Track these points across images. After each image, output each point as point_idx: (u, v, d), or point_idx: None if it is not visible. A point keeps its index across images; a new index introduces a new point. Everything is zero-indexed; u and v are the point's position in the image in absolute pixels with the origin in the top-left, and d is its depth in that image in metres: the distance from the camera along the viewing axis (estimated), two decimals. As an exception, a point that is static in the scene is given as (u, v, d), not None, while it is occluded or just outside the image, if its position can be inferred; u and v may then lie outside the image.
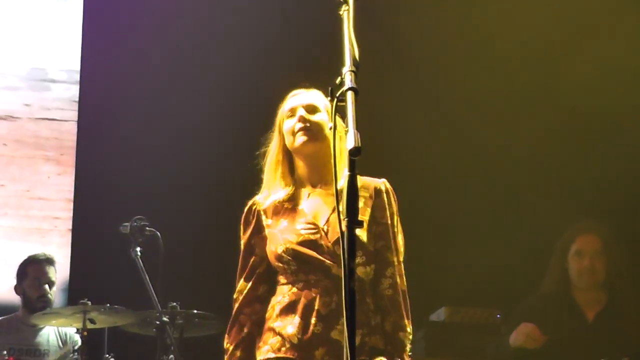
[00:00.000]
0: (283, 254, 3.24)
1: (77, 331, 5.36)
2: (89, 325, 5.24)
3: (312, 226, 3.26)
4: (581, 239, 5.07)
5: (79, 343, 5.40)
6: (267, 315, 3.27)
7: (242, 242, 3.39)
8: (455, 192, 6.42)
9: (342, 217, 2.32)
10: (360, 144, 2.31)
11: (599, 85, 6.06)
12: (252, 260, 3.34)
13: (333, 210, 3.27)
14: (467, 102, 6.40)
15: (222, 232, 6.38)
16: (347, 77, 2.43)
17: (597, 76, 6.11)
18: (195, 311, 5.22)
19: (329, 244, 3.22)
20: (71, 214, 6.60)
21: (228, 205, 6.37)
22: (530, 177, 6.37)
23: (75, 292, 6.18)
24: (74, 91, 6.72)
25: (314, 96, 3.40)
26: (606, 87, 6.06)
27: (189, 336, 5.27)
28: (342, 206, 2.33)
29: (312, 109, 3.35)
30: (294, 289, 3.22)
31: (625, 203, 6.10)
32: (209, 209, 6.41)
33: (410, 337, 3.27)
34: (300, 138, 3.30)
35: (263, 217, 3.34)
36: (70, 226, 6.60)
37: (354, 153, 2.32)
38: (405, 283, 3.31)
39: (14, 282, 5.93)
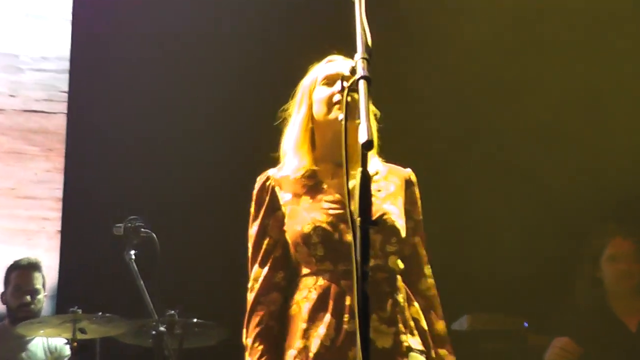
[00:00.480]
0: (312, 234, 3.12)
1: (67, 342, 5.39)
2: (80, 336, 5.26)
3: (341, 206, 3.15)
4: (614, 242, 5.10)
5: (69, 355, 5.42)
6: (292, 312, 3.17)
7: (254, 223, 3.28)
8: (477, 193, 6.43)
9: (355, 216, 2.32)
10: (372, 137, 2.33)
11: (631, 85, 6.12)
12: (265, 242, 3.23)
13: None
14: (495, 102, 6.43)
15: (223, 233, 6.43)
16: (359, 65, 2.45)
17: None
18: (195, 320, 5.23)
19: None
20: (60, 214, 6.62)
21: (230, 205, 6.43)
22: (558, 180, 6.37)
23: (64, 300, 6.20)
24: (64, 81, 6.74)
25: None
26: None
27: (188, 347, 5.27)
28: (354, 204, 2.34)
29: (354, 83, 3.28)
30: (321, 281, 3.12)
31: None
32: (208, 208, 6.43)
33: None
34: (337, 112, 3.17)
35: (279, 194, 3.24)
36: (59, 227, 6.62)
37: (366, 146, 2.33)
38: None
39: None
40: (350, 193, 2.42)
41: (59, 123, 6.73)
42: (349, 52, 2.50)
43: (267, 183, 3.27)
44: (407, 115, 6.23)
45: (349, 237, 3.08)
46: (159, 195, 6.30)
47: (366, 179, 2.37)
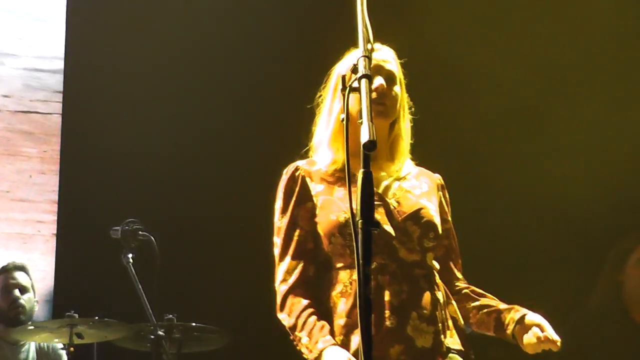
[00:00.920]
0: (349, 223, 3.02)
1: (63, 347, 5.39)
2: (76, 341, 5.25)
3: (377, 198, 3.08)
4: None
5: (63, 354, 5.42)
6: (326, 307, 3.09)
7: (284, 215, 3.18)
8: (484, 195, 6.42)
9: (357, 219, 2.31)
10: (375, 137, 2.32)
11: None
12: (297, 234, 3.15)
13: (399, 188, 3.18)
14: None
15: (223, 236, 6.44)
16: (361, 63, 2.44)
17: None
18: (194, 324, 5.23)
19: (399, 220, 3.11)
20: (56, 218, 6.61)
21: (230, 207, 6.45)
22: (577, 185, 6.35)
23: (60, 304, 6.19)
24: (59, 81, 6.73)
25: (393, 59, 3.24)
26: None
27: (187, 352, 5.28)
28: (356, 206, 2.33)
29: (391, 78, 3.19)
30: (355, 276, 2.91)
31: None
32: (208, 211, 6.42)
33: None
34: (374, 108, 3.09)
35: (310, 184, 3.18)
36: (55, 230, 6.61)
37: (368, 147, 2.32)
38: None
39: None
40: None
41: (54, 124, 6.72)
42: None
43: (297, 173, 3.20)
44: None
45: (385, 229, 3.06)
46: (156, 197, 6.30)
47: (369, 180, 2.36)
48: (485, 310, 3.23)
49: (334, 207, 3.12)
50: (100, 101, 6.59)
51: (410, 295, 3.05)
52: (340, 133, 3.11)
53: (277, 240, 3.20)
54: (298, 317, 3.07)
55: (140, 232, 5.10)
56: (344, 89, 2.46)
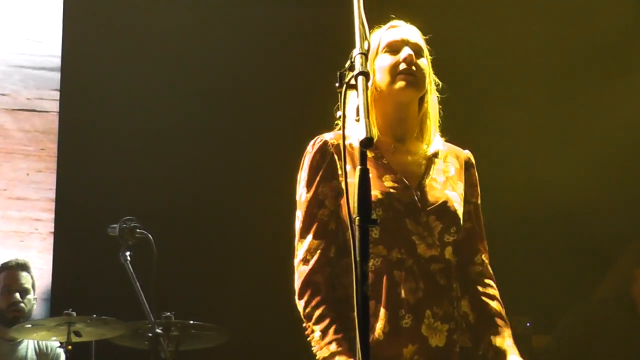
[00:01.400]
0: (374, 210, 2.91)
1: (61, 345, 5.37)
2: (74, 339, 5.25)
3: (403, 185, 3.03)
4: None
5: (63, 358, 5.41)
6: (340, 295, 3.01)
7: (309, 189, 3.08)
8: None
9: (353, 216, 2.31)
10: (372, 135, 2.32)
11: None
12: (320, 213, 3.05)
13: (425, 175, 3.11)
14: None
15: (221, 234, 6.44)
16: (357, 60, 2.44)
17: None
18: (191, 321, 5.23)
19: (421, 214, 3.04)
20: (53, 216, 6.61)
21: (227, 204, 6.45)
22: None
23: (58, 302, 6.20)
24: (56, 79, 6.73)
25: (418, 35, 3.18)
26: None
27: (185, 349, 5.29)
28: (353, 202, 2.33)
29: (418, 51, 3.13)
30: (372, 267, 2.97)
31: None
32: (205, 208, 6.43)
33: None
34: (402, 82, 3.05)
35: (338, 163, 3.06)
36: (52, 229, 6.61)
37: (365, 144, 2.32)
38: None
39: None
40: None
41: (51, 122, 6.72)
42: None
43: (326, 148, 3.09)
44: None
45: (406, 223, 3.00)
46: (154, 195, 6.30)
47: (366, 176, 2.36)
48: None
49: None
50: (98, 99, 6.59)
51: (426, 293, 2.99)
52: (371, 110, 3.02)
53: (299, 214, 3.11)
54: (315, 308, 2.99)
55: (137, 230, 5.10)
56: (340, 86, 2.46)
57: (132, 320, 5.20)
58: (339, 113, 2.50)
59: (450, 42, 6.18)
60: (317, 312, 2.99)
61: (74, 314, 5.24)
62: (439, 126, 3.20)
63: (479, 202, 3.22)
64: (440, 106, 3.21)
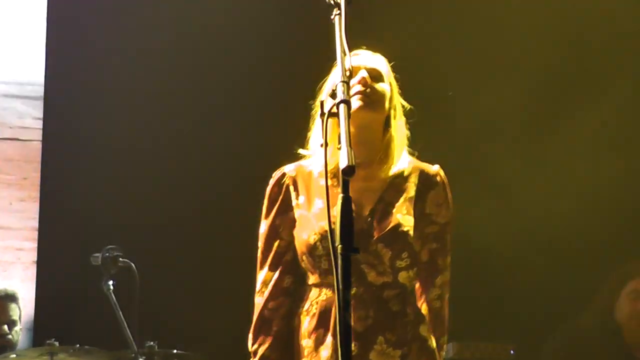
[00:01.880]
0: (318, 245, 3.07)
1: (44, 375, 5.35)
2: (57, 369, 5.23)
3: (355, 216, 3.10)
4: None
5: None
6: (295, 323, 3.12)
7: (265, 221, 3.20)
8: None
9: (336, 244, 2.32)
10: (353, 163, 2.33)
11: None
12: (276, 245, 3.16)
13: (379, 200, 3.14)
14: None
15: (204, 262, 6.43)
16: (339, 88, 2.46)
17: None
18: (175, 351, 5.22)
19: (371, 241, 3.07)
20: (36, 245, 6.59)
21: (210, 233, 6.44)
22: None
23: (41, 332, 6.17)
24: (39, 108, 6.72)
25: (379, 61, 3.24)
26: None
27: (168, 379, 5.27)
28: (336, 229, 2.34)
29: (376, 75, 3.18)
30: (323, 295, 3.06)
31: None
32: (188, 237, 6.41)
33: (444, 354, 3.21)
34: (356, 102, 3.09)
35: (293, 194, 3.17)
36: (35, 258, 6.59)
37: (347, 172, 2.33)
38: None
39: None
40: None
41: (34, 151, 6.70)
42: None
43: (282, 181, 3.20)
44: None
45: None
46: (137, 224, 6.28)
47: (348, 204, 2.37)
48: None
49: (308, 225, 3.11)
50: (81, 128, 6.58)
51: (376, 320, 3.04)
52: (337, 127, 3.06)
53: (259, 245, 3.21)
54: (260, 346, 3.12)
55: (120, 259, 5.10)
56: (322, 114, 2.47)
57: (115, 350, 5.18)
58: (321, 141, 2.51)
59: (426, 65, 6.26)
60: (261, 351, 3.10)
61: (57, 343, 5.21)
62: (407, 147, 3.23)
63: (448, 220, 3.22)
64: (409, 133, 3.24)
